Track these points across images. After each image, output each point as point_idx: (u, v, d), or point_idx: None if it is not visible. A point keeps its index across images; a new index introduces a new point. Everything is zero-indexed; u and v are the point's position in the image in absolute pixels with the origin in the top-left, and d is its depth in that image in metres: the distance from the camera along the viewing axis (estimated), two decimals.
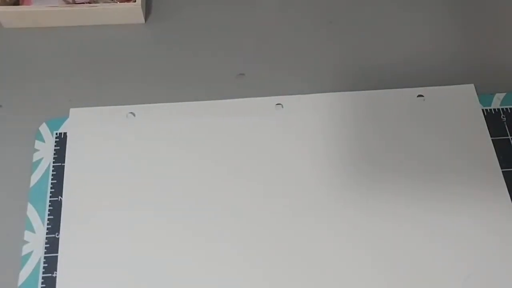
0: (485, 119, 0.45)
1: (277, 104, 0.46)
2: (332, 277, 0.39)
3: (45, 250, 0.40)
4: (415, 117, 0.45)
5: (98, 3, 0.49)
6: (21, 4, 0.50)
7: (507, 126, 0.45)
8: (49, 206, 0.41)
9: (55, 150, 0.44)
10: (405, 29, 0.51)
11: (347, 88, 0.47)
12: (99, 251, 0.40)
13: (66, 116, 0.45)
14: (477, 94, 0.46)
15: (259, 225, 0.41)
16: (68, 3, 0.49)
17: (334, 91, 0.47)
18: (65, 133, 0.44)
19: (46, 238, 0.40)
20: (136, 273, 0.39)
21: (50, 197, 0.42)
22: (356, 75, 0.48)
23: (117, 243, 0.40)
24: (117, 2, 0.50)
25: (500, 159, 0.43)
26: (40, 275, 0.39)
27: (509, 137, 0.45)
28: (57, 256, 0.40)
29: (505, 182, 0.42)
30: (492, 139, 0.44)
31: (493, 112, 0.46)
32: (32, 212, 0.41)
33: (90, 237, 0.40)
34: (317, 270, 0.39)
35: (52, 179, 0.43)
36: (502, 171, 0.43)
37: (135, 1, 0.49)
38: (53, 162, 0.43)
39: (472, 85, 0.47)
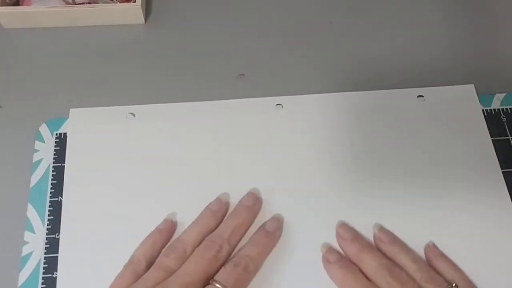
0: (485, 120, 0.45)
1: (277, 105, 0.46)
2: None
3: (45, 251, 0.40)
4: (415, 118, 0.45)
5: (98, 3, 0.49)
6: (21, 5, 0.50)
7: (507, 126, 0.45)
8: (49, 206, 0.41)
9: (55, 150, 0.44)
10: (405, 30, 0.51)
11: (347, 88, 0.47)
12: (100, 252, 0.40)
13: (66, 116, 0.45)
14: (477, 94, 0.46)
15: (258, 225, 0.40)
16: (68, 3, 0.49)
17: (334, 92, 0.47)
18: (65, 134, 0.44)
19: (46, 238, 0.40)
20: None
21: (50, 197, 0.42)
22: (356, 75, 0.48)
23: (118, 243, 0.40)
24: (117, 3, 0.50)
25: (500, 160, 0.43)
26: (40, 275, 0.39)
27: (509, 137, 0.45)
28: (57, 257, 0.40)
29: (505, 182, 0.42)
30: (492, 140, 0.44)
31: (493, 112, 0.46)
32: (32, 213, 0.41)
33: (90, 238, 0.40)
34: (319, 270, 0.39)
35: (52, 180, 0.43)
36: (502, 171, 0.43)
37: (135, 1, 0.49)
38: (53, 163, 0.43)
39: (472, 85, 0.47)
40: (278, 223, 0.40)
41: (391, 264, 0.38)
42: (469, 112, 0.46)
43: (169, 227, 0.40)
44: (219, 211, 0.40)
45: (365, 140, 0.44)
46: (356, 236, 0.40)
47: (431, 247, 0.40)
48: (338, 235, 0.40)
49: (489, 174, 0.43)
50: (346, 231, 0.40)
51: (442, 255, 0.39)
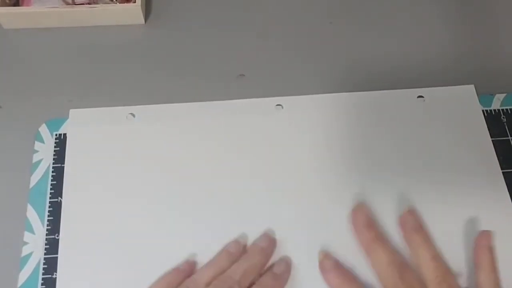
0: (485, 120, 0.45)
1: (277, 105, 0.46)
2: None
3: (45, 251, 0.40)
4: (415, 118, 0.45)
5: (98, 4, 0.49)
6: (21, 5, 0.50)
7: (507, 126, 0.45)
8: (49, 207, 0.41)
9: (54, 151, 0.44)
10: (405, 30, 0.51)
11: (347, 89, 0.47)
12: (99, 252, 0.40)
13: (66, 116, 0.45)
14: (477, 94, 0.46)
15: (258, 226, 0.41)
16: (68, 4, 0.49)
17: (334, 92, 0.47)
18: (64, 134, 0.44)
19: (46, 239, 0.40)
20: (136, 274, 0.39)
21: (50, 198, 0.42)
22: (356, 75, 0.48)
23: (117, 244, 0.40)
24: (117, 3, 0.50)
25: (500, 160, 0.43)
26: (40, 276, 0.39)
27: (509, 137, 0.45)
28: (57, 257, 0.40)
29: (505, 182, 0.42)
30: (492, 140, 0.44)
31: (493, 112, 0.46)
32: (31, 213, 0.41)
33: (90, 238, 0.40)
34: (317, 272, 0.39)
35: (51, 180, 0.43)
36: (502, 172, 0.43)
37: (135, 2, 0.49)
38: (53, 163, 0.43)
39: (472, 85, 0.47)
40: (286, 265, 0.39)
41: (403, 263, 0.36)
42: (469, 112, 0.46)
43: (189, 269, 0.39)
44: (235, 254, 0.39)
45: (365, 140, 0.44)
46: (371, 223, 0.38)
47: (485, 235, 0.37)
48: (352, 219, 0.38)
49: (489, 174, 0.43)
50: (361, 214, 0.38)
51: (490, 250, 0.37)
